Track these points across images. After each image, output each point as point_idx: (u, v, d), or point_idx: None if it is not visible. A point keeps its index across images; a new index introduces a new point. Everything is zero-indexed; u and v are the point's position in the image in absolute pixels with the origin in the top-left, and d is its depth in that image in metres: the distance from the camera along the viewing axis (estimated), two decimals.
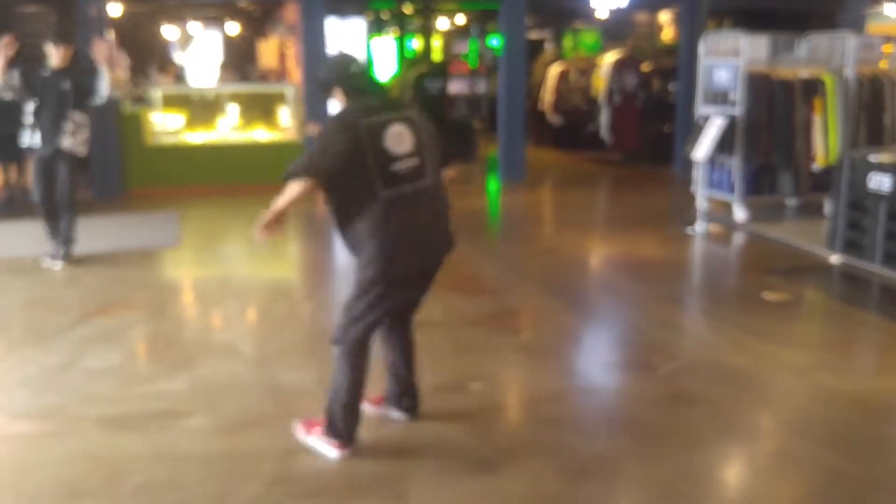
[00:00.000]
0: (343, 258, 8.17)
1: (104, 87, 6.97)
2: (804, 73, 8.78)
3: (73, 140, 6.98)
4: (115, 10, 11.36)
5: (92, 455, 3.87)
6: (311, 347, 5.32)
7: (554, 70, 14.75)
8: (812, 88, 8.63)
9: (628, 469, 3.77)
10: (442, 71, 14.42)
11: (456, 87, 14.12)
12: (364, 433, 4.14)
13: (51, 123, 6.89)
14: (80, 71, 7.19)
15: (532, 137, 14.89)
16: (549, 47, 17.95)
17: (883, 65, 9.13)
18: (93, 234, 7.52)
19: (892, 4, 13.23)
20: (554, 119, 14.76)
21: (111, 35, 10.58)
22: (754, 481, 3.81)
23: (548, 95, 14.75)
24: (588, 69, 14.09)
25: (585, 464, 3.77)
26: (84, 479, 3.65)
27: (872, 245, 6.86)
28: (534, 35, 17.40)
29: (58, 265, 7.06)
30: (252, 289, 6.74)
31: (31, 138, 6.95)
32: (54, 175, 7.03)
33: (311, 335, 5.57)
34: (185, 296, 6.85)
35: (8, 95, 6.89)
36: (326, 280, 7.19)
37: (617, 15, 14.02)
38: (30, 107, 6.91)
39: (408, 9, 16.73)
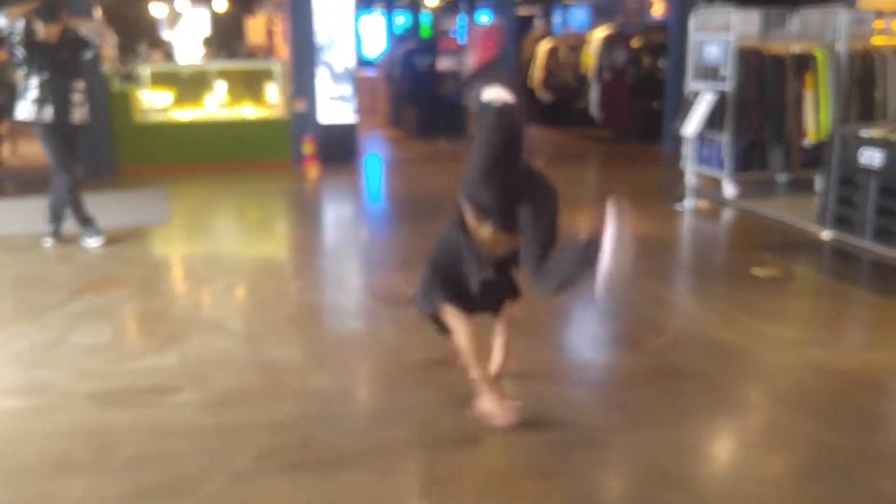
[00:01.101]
0: (331, 236, 8.15)
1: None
2: (795, 48, 8.74)
3: (82, 111, 6.95)
4: None
5: (82, 429, 3.86)
6: (298, 324, 5.32)
7: (543, 46, 14.68)
8: (803, 64, 8.59)
9: (617, 443, 3.78)
10: (431, 47, 14.35)
11: (445, 63, 14.06)
12: (351, 407, 4.14)
13: (62, 97, 6.79)
14: (73, 42, 7.02)
15: None
16: (538, 23, 17.87)
17: (875, 40, 9.11)
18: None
19: None
20: (544, 96, 14.70)
21: (98, 13, 10.46)
22: (744, 455, 3.82)
23: (537, 72, 14.69)
24: (578, 45, 14.04)
25: (574, 437, 3.78)
26: (74, 453, 3.64)
27: (863, 221, 6.87)
28: (523, 11, 17.32)
29: (50, 241, 7.03)
30: (241, 266, 6.72)
31: (38, 113, 6.73)
32: (68, 150, 6.93)
33: (299, 312, 5.57)
34: (175, 272, 6.82)
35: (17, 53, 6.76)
36: (315, 258, 7.16)
37: None
38: (34, 80, 6.74)
39: None
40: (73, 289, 5.91)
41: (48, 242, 7.03)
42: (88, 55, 7.05)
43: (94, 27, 7.28)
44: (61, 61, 6.82)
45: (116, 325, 5.26)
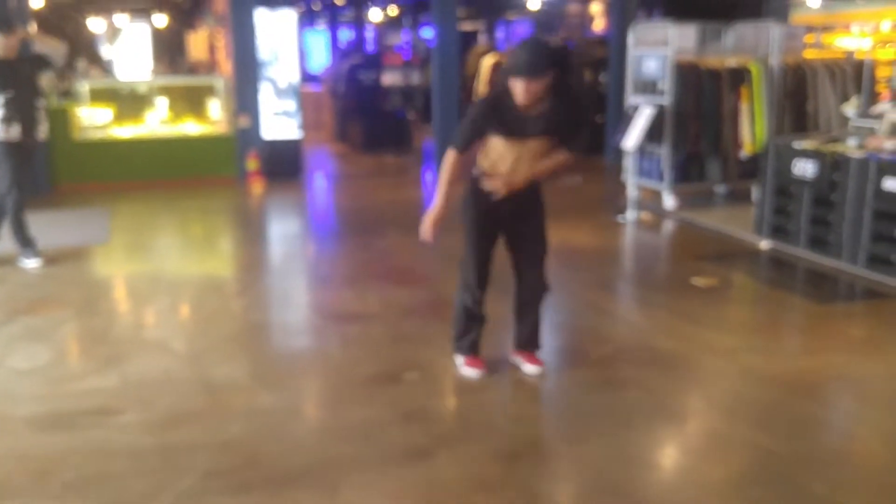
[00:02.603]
0: (276, 252, 8.11)
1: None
2: (731, 62, 8.97)
3: (43, 128, 6.98)
4: (37, 2, 11.04)
5: (19, 454, 3.77)
6: (243, 342, 5.28)
7: (487, 61, 14.80)
8: (739, 77, 8.83)
9: (562, 453, 3.83)
10: (376, 62, 14.39)
11: (389, 78, 14.11)
12: (297, 425, 4.12)
13: (27, 115, 6.75)
14: (33, 59, 7.01)
15: None
16: (482, 38, 18.04)
17: (806, 54, 9.39)
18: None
19: None
20: None
21: (34, 27, 10.28)
22: (685, 462, 3.90)
23: (482, 87, 14.79)
24: None
25: (519, 448, 3.82)
26: (11, 479, 3.56)
27: (797, 230, 7.07)
28: (467, 26, 17.46)
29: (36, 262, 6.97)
30: (183, 284, 6.64)
31: (5, 131, 6.63)
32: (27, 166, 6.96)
33: (244, 330, 5.53)
34: (116, 292, 6.71)
35: None
36: (259, 275, 7.11)
37: (548, 6, 14.15)
38: None
39: (339, 0, 16.65)
40: (9, 310, 5.78)
41: (32, 263, 6.94)
42: (48, 73, 6.99)
43: (53, 44, 7.19)
44: (23, 78, 6.77)
45: (55, 347, 5.15)
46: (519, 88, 4.10)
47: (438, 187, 4.42)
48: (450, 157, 4.37)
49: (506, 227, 4.53)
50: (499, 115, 4.22)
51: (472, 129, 4.31)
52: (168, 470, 3.61)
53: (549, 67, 4.08)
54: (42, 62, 6.97)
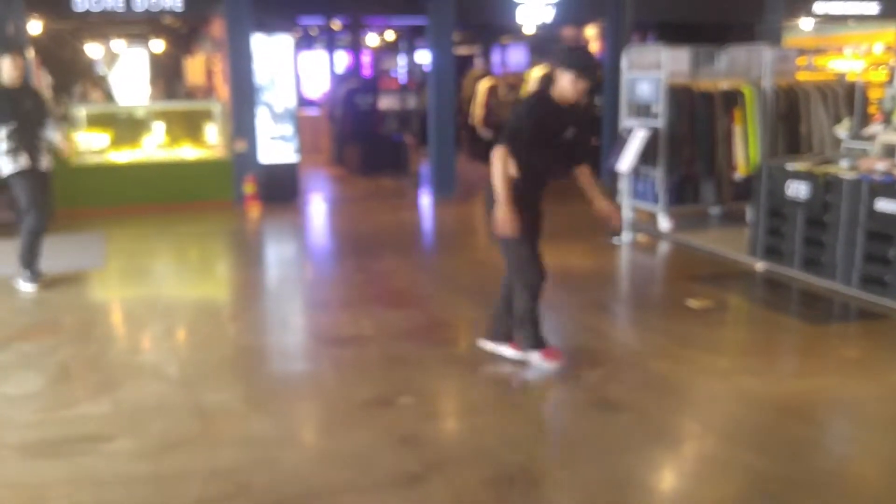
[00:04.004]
0: (272, 276, 8.11)
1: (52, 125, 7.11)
2: (724, 84, 9.02)
3: (48, 158, 7.09)
4: (34, 28, 11.11)
5: (10, 482, 3.76)
6: (237, 367, 5.27)
7: (483, 85, 14.88)
8: (732, 100, 8.88)
9: (554, 477, 3.82)
10: (372, 86, 14.46)
11: (386, 102, 14.17)
12: (290, 451, 4.11)
13: (31, 145, 6.86)
14: (36, 91, 7.19)
15: (465, 152, 15.01)
16: (478, 62, 18.12)
17: (799, 76, 9.45)
18: (15, 256, 7.29)
19: (807, 19, 13.72)
20: (484, 133, 14.88)
21: (32, 53, 10.34)
22: (679, 485, 3.89)
23: (478, 110, 14.87)
24: (517, 84, 14.27)
25: (512, 473, 3.80)
26: None
27: (791, 251, 7.09)
28: (463, 50, 17.56)
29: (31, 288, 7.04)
30: (179, 309, 6.64)
31: (14, 162, 6.76)
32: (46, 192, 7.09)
33: (238, 354, 5.52)
34: (110, 317, 6.70)
35: None
36: (255, 299, 7.11)
37: (544, 30, 14.23)
38: (1, 132, 6.75)
39: (336, 25, 16.74)
40: (2, 337, 5.77)
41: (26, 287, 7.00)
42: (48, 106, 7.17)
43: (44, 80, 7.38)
44: (26, 109, 6.86)
45: (48, 374, 5.13)
46: (580, 87, 4.65)
47: (501, 188, 4.61)
48: (501, 154, 4.61)
49: (535, 226, 4.96)
50: (545, 112, 4.69)
51: (523, 129, 4.62)
52: (160, 498, 3.60)
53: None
54: (43, 101, 7.14)
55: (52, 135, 7.10)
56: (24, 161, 6.80)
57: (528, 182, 4.75)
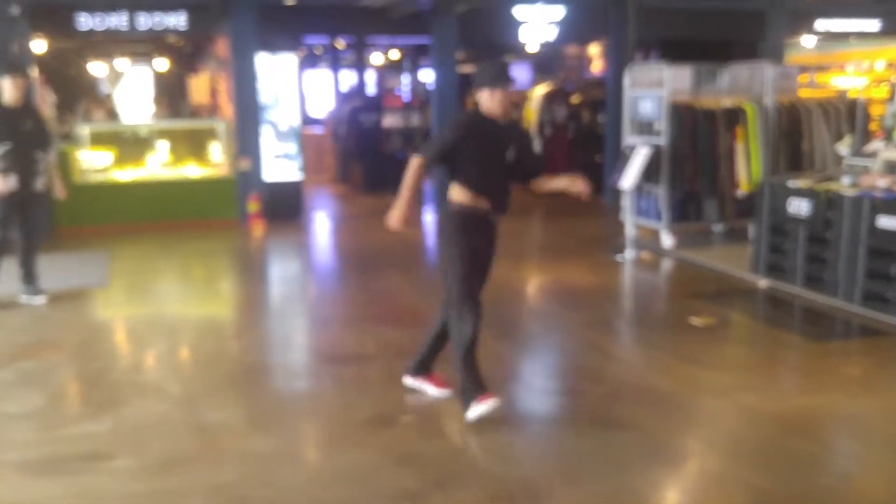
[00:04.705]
0: (275, 294, 8.12)
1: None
2: (726, 102, 9.05)
3: (43, 179, 7.05)
4: (39, 47, 11.19)
5: (10, 500, 3.76)
6: (238, 385, 5.27)
7: None
8: (734, 117, 8.90)
9: (557, 496, 3.80)
10: (376, 105, 14.52)
11: (390, 120, 14.23)
12: (290, 469, 4.10)
13: (25, 167, 6.85)
14: (35, 111, 7.22)
15: None
16: None
17: (801, 93, 9.47)
18: (19, 274, 7.32)
19: (809, 36, 13.77)
20: None
21: (36, 71, 10.41)
22: (681, 503, 3.86)
23: None
24: (520, 102, 14.32)
25: (514, 492, 3.79)
26: None
27: (793, 268, 7.08)
28: (466, 69, 17.62)
29: (41, 299, 7.11)
30: (182, 327, 6.65)
31: (3, 182, 6.75)
32: (28, 215, 7.02)
33: (240, 372, 5.52)
34: (113, 336, 6.71)
35: None
36: (258, 317, 7.12)
37: (546, 48, 14.31)
38: None
39: (340, 44, 16.84)
40: (4, 355, 5.77)
41: (41, 299, 7.10)
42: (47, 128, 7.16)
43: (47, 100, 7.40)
44: (24, 130, 6.87)
45: (49, 392, 5.14)
46: (498, 97, 4.49)
47: (404, 189, 4.53)
48: (415, 163, 4.51)
49: (486, 254, 4.67)
50: (474, 128, 4.53)
51: (445, 143, 4.52)
52: None
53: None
54: (43, 123, 7.12)
55: (51, 157, 7.12)
56: (12, 182, 6.77)
57: (477, 205, 4.50)
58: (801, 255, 6.99)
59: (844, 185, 6.79)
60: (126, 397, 4.99)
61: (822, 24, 13.39)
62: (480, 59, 18.35)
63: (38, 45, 11.22)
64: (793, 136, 8.97)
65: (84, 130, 10.63)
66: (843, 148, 7.93)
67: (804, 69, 9.76)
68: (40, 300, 7.10)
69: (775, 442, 4.29)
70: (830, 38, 13.83)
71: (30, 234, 7.09)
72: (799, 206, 6.96)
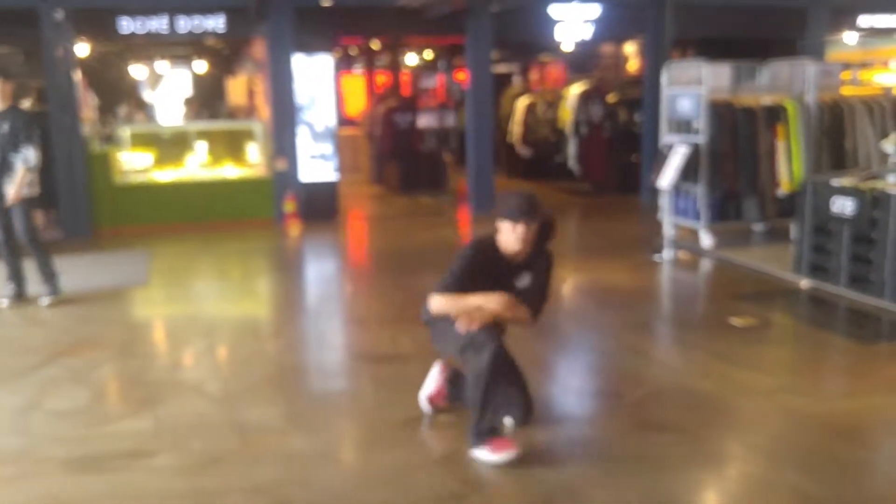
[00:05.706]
0: (312, 293, 8.15)
1: (32, 156, 6.82)
2: (766, 100, 8.92)
3: (15, 188, 6.83)
4: (81, 51, 11.35)
5: (55, 497, 3.80)
6: (277, 384, 5.29)
7: (521, 103, 14.89)
8: (774, 115, 8.77)
9: (595, 497, 3.76)
10: (411, 105, 14.53)
11: (425, 120, 14.23)
12: (330, 469, 4.10)
13: None
14: (20, 114, 6.98)
15: (503, 169, 15.00)
16: (516, 80, 18.14)
17: (843, 91, 9.31)
18: (62, 273, 7.43)
19: (852, 32, 13.54)
20: (523, 151, 14.88)
21: (79, 75, 10.56)
22: None
23: (516, 128, 14.88)
24: (555, 101, 14.24)
25: (553, 493, 3.75)
26: None
27: (837, 268, 6.95)
28: (501, 69, 17.58)
29: (46, 301, 7.13)
30: (220, 326, 6.69)
31: None
32: (8, 221, 7.00)
33: (278, 372, 5.54)
34: (153, 334, 6.78)
35: None
36: (295, 317, 7.15)
37: (582, 47, 14.21)
38: None
39: (375, 45, 16.88)
40: (49, 352, 5.86)
41: (46, 301, 7.15)
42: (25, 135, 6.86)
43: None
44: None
45: (92, 389, 5.20)
46: (520, 232, 4.17)
47: (460, 305, 4.12)
48: (436, 301, 4.21)
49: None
50: (487, 262, 4.23)
51: (463, 272, 4.18)
52: None
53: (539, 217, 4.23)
54: (24, 128, 6.84)
55: (24, 159, 6.80)
56: None
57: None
58: (845, 255, 6.86)
59: (891, 184, 6.65)
60: (166, 395, 5.03)
61: (864, 20, 13.15)
62: (516, 58, 18.34)
63: (82, 49, 11.38)
64: (835, 134, 8.82)
65: (125, 132, 10.76)
66: (889, 146, 7.77)
67: (847, 66, 9.59)
68: (48, 301, 7.13)
69: (821, 446, 4.21)
70: (874, 33, 13.58)
71: (29, 238, 7.03)
72: (843, 206, 6.83)
